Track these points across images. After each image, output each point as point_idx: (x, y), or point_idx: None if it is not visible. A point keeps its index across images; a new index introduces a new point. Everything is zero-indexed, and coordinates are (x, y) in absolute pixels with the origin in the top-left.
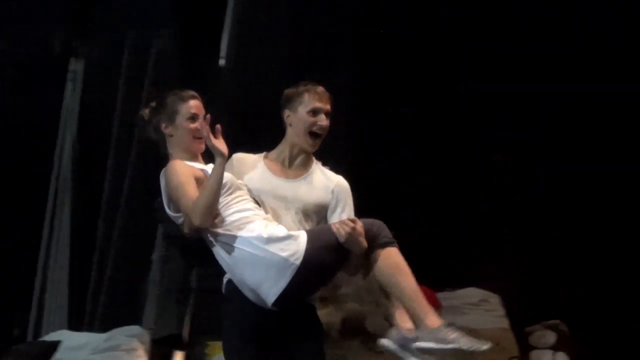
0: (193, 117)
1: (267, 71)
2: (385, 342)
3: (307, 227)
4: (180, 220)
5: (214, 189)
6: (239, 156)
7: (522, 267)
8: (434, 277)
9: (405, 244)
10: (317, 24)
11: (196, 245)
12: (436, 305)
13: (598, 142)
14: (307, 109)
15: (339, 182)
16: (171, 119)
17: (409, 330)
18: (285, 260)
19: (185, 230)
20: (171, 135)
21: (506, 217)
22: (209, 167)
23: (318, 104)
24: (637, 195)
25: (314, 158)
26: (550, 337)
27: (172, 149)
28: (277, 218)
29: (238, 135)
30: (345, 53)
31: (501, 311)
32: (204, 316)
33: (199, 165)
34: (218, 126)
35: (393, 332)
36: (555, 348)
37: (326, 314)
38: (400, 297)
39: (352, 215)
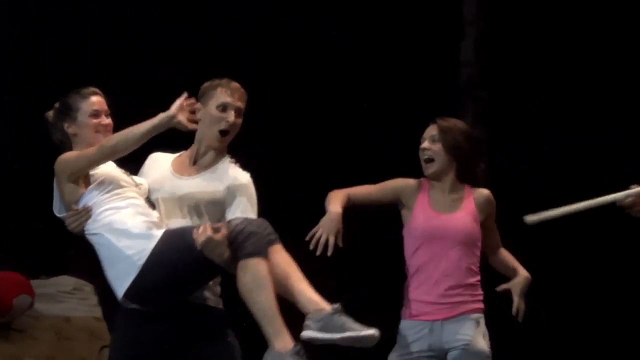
0: (95, 114)
1: None
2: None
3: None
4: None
5: (136, 130)
6: (153, 156)
7: None
8: (28, 265)
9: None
10: None
11: None
12: (30, 293)
13: None
14: (217, 104)
15: (236, 177)
16: (73, 117)
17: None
18: (129, 258)
19: (70, 228)
20: (75, 134)
21: None
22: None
23: (228, 99)
24: None
25: (226, 155)
26: None
27: (76, 149)
28: (169, 217)
29: None
30: None
31: (94, 300)
32: None
33: None
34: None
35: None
36: None
37: None
38: (254, 314)
39: (250, 213)
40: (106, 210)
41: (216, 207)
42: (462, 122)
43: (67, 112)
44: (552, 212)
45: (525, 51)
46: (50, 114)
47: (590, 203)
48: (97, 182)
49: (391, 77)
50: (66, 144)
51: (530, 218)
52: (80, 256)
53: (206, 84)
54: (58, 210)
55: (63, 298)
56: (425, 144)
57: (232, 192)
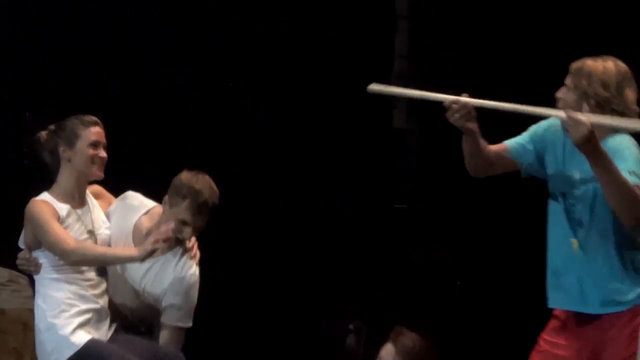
0: (95, 144)
1: None
2: None
3: (149, 305)
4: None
5: (103, 260)
6: (127, 198)
7: None
8: None
9: None
10: None
11: None
12: None
13: None
14: (179, 216)
15: (180, 278)
16: (71, 143)
17: None
18: (46, 354)
19: (19, 267)
20: (69, 160)
21: None
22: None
23: (190, 218)
24: None
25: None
26: None
27: (63, 174)
28: (114, 287)
29: None
30: None
31: (29, 292)
32: None
33: (64, 206)
34: (170, 235)
35: None
36: None
37: None
38: None
39: (180, 321)
40: (50, 280)
41: (156, 301)
42: (417, 338)
43: (66, 137)
44: (397, 89)
45: (458, 44)
46: (43, 134)
47: (424, 94)
48: None
49: (323, 70)
50: (54, 167)
51: (374, 87)
52: (14, 248)
53: (181, 181)
54: (20, 241)
55: None
56: None
57: (171, 294)
